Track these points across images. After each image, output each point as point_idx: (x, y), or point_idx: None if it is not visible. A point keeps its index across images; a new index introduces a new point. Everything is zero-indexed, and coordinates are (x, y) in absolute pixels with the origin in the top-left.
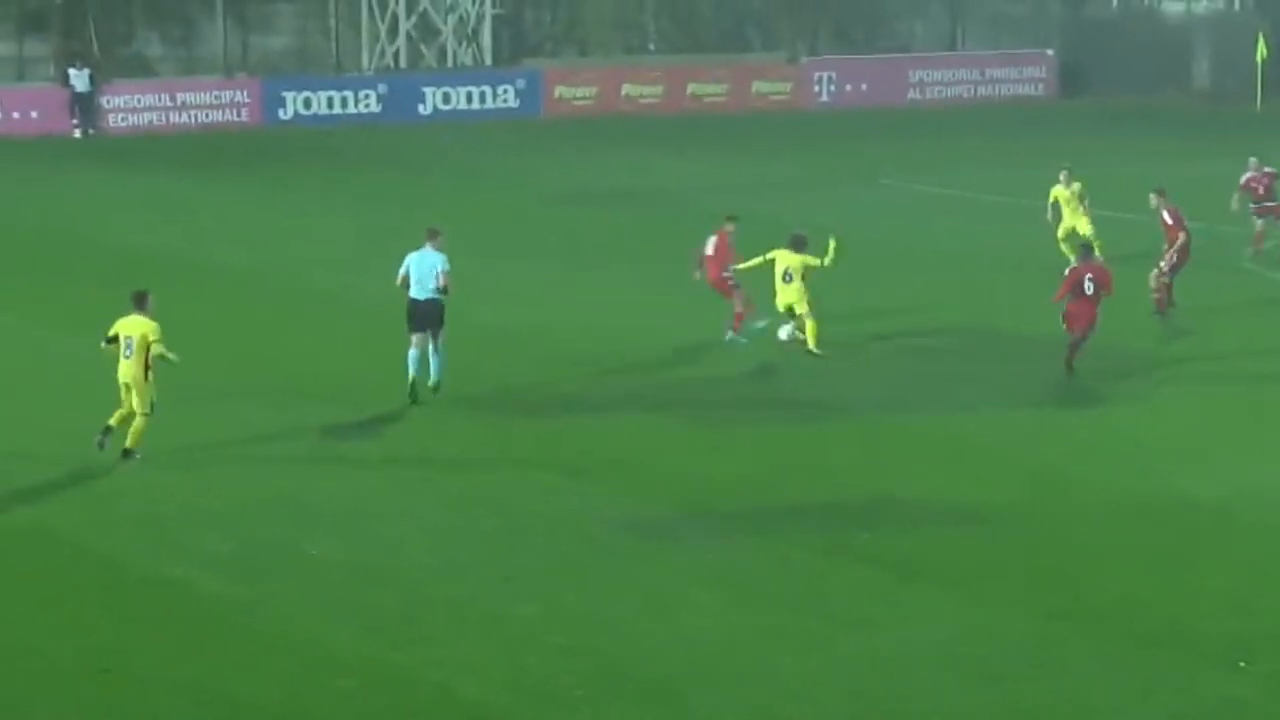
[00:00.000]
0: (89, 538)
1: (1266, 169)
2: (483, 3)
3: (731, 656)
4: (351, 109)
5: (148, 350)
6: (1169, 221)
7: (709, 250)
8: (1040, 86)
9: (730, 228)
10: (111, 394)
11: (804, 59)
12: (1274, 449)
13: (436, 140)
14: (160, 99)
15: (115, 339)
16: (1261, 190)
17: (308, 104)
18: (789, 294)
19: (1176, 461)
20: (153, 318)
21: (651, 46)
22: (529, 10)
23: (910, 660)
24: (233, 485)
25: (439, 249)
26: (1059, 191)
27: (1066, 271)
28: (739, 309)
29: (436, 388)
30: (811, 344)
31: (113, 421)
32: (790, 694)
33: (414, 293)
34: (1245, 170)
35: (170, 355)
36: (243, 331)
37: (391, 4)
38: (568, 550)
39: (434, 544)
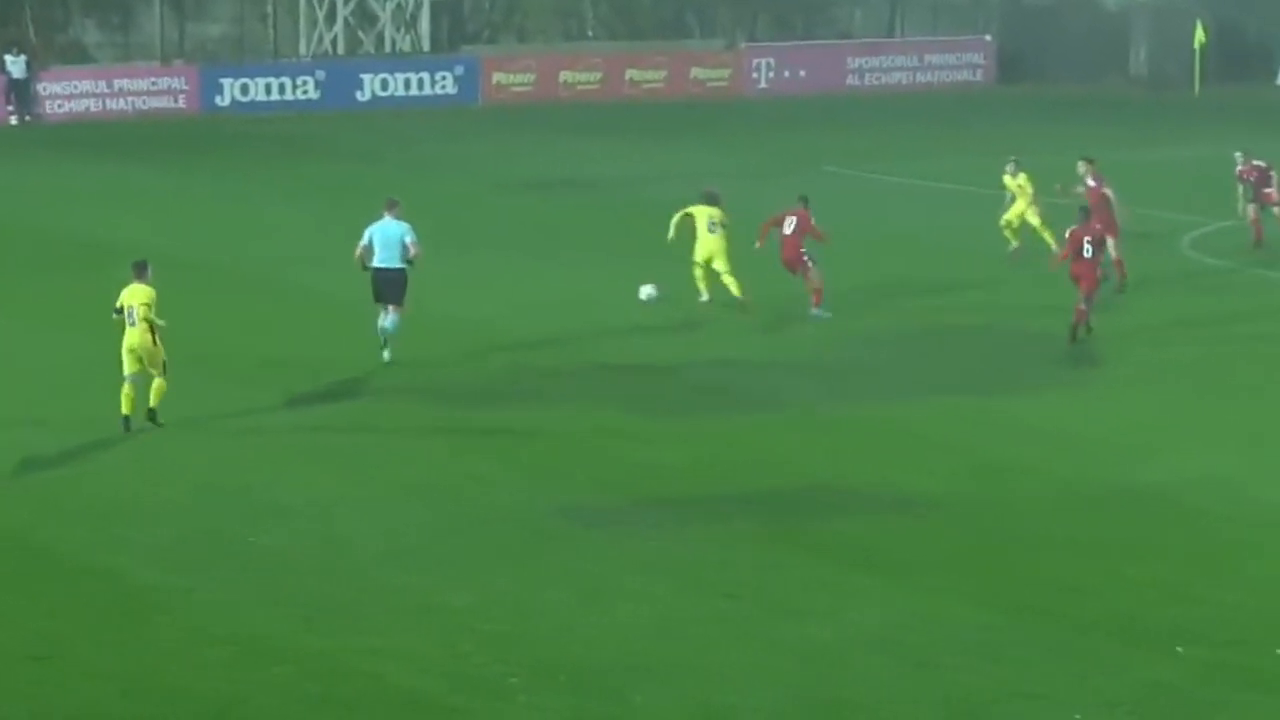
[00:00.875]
0: (30, 527)
1: (1255, 161)
2: None
3: (670, 645)
4: (289, 95)
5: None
6: (1091, 184)
7: (788, 230)
8: (979, 73)
9: (804, 209)
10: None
11: (743, 45)
12: (1216, 438)
13: (375, 127)
14: (97, 86)
15: (122, 309)
16: (1254, 178)
17: (245, 90)
18: (710, 245)
19: (1118, 450)
20: (151, 285)
21: (590, 33)
22: None
23: (850, 648)
24: (179, 475)
25: (399, 218)
26: (1008, 181)
27: (1068, 234)
28: (817, 284)
29: (386, 343)
30: (736, 292)
31: (126, 409)
32: (728, 683)
33: (379, 262)
34: (1235, 165)
35: (159, 321)
36: (190, 322)
37: None
38: (506, 539)
39: (374, 533)
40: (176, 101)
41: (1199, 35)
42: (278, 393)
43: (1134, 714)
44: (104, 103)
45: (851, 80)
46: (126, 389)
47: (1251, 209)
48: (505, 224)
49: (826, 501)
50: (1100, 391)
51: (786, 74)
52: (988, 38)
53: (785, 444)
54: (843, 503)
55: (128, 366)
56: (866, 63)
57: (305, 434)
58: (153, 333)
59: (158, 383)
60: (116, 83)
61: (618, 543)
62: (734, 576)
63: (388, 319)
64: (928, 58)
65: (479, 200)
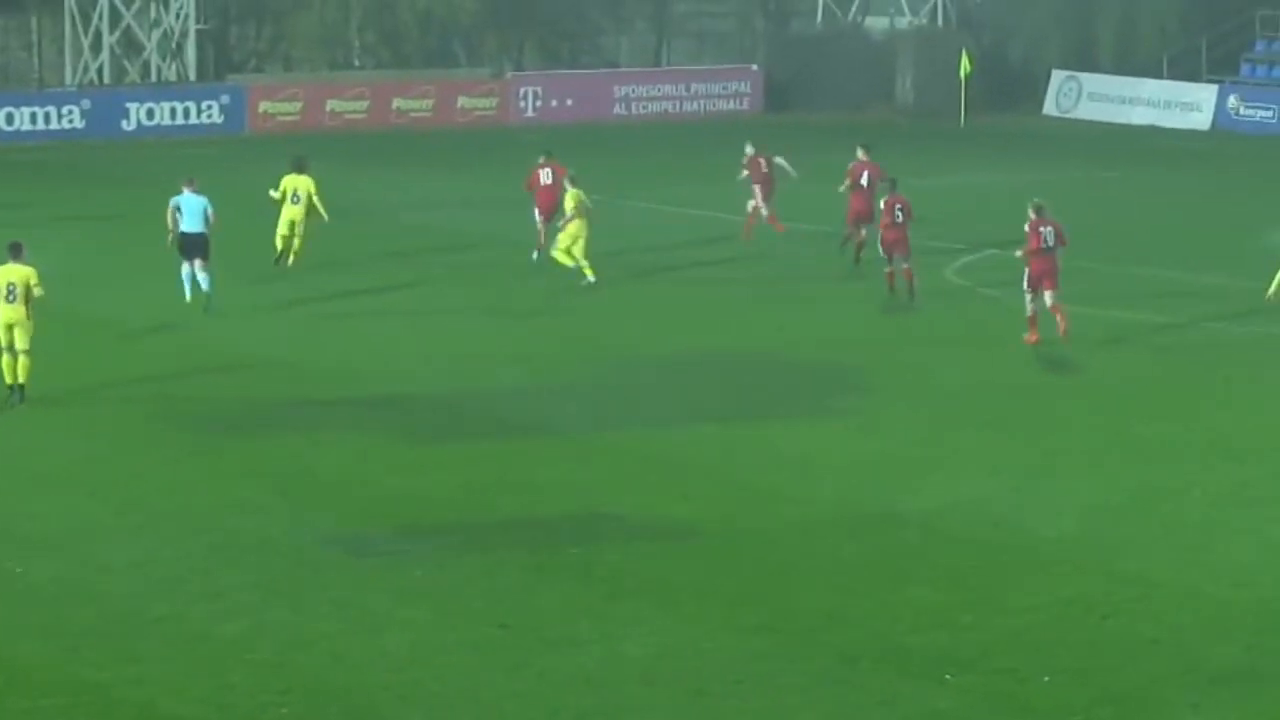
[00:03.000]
0: None
1: (762, 156)
2: (187, 18)
3: (438, 675)
4: (55, 125)
5: (29, 294)
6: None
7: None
8: (745, 102)
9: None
10: None
11: (509, 75)
12: (980, 463)
13: (141, 156)
14: None
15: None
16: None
17: (10, 119)
18: (293, 212)
19: (881, 475)
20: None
21: (357, 62)
22: (234, 26)
23: (616, 677)
24: None
25: (197, 192)
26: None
27: (1027, 227)
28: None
29: (208, 302)
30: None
31: (9, 379)
32: (496, 712)
33: (185, 227)
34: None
35: (38, 291)
36: None
37: (95, 19)
38: (275, 568)
39: (141, 562)
40: None
41: (964, 65)
42: (33, 417)
43: None
44: None
45: (618, 109)
46: (6, 360)
47: (751, 203)
48: (259, 251)
49: (591, 529)
50: (862, 419)
51: (554, 103)
52: (754, 67)
53: (548, 471)
54: (607, 529)
55: (2, 340)
56: (633, 91)
57: (64, 460)
58: (28, 309)
59: (23, 360)
60: None
61: (386, 572)
62: (503, 605)
63: (200, 276)
64: (694, 86)
65: (246, 230)
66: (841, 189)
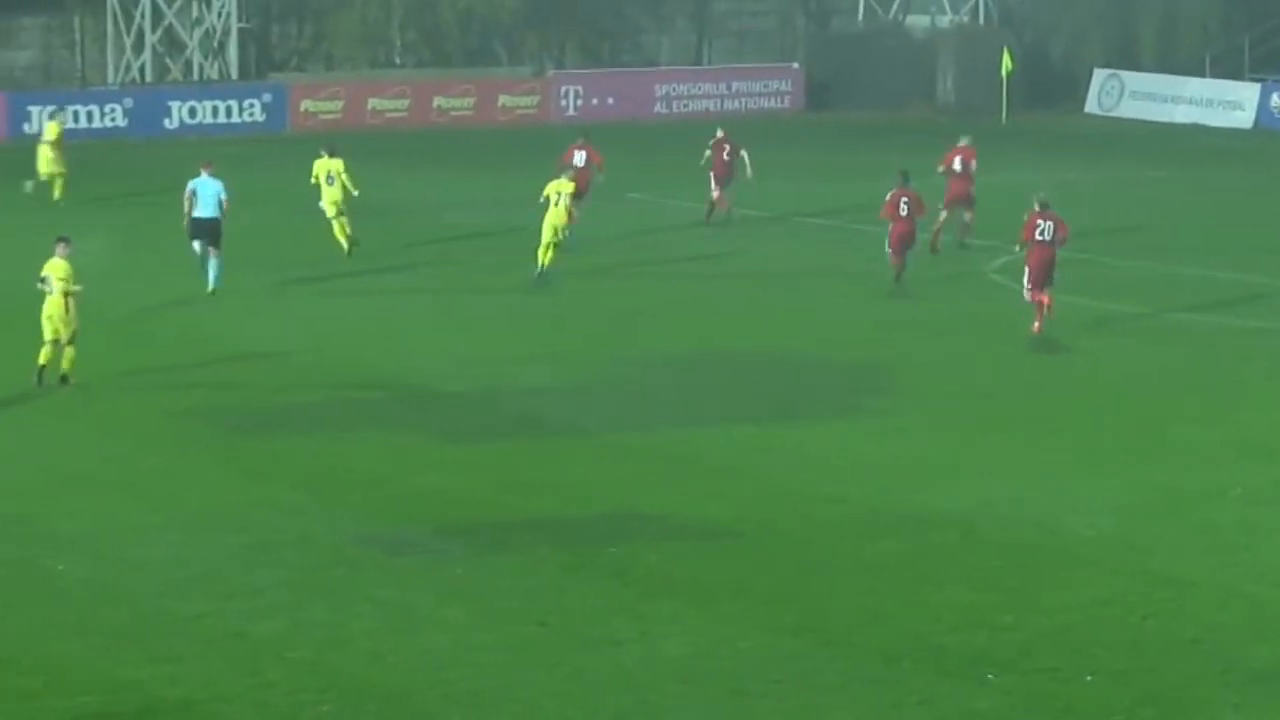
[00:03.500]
0: None
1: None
2: (229, 16)
3: (477, 673)
4: (97, 123)
5: (68, 288)
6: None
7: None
8: (786, 100)
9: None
10: None
11: (550, 73)
12: (1015, 462)
13: (183, 154)
14: None
15: (45, 279)
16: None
17: (53, 118)
18: (332, 194)
19: (916, 476)
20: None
21: (398, 61)
22: (275, 24)
23: (654, 676)
24: None
25: (214, 176)
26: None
27: (1026, 216)
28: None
29: (215, 290)
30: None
31: (42, 360)
32: (534, 710)
33: (199, 212)
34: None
35: (75, 288)
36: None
37: (137, 18)
38: (312, 566)
39: (176, 561)
40: None
41: (1006, 62)
42: (67, 415)
43: None
44: None
45: (659, 108)
46: (46, 349)
47: (716, 190)
48: (312, 250)
49: (627, 528)
50: (894, 418)
51: (595, 101)
52: (795, 65)
53: (583, 470)
54: (643, 529)
55: (47, 332)
56: (674, 89)
57: (97, 459)
58: (68, 302)
59: (68, 351)
60: None
61: (424, 570)
62: (540, 604)
63: (210, 261)
64: (735, 85)
65: (287, 227)
66: (940, 170)
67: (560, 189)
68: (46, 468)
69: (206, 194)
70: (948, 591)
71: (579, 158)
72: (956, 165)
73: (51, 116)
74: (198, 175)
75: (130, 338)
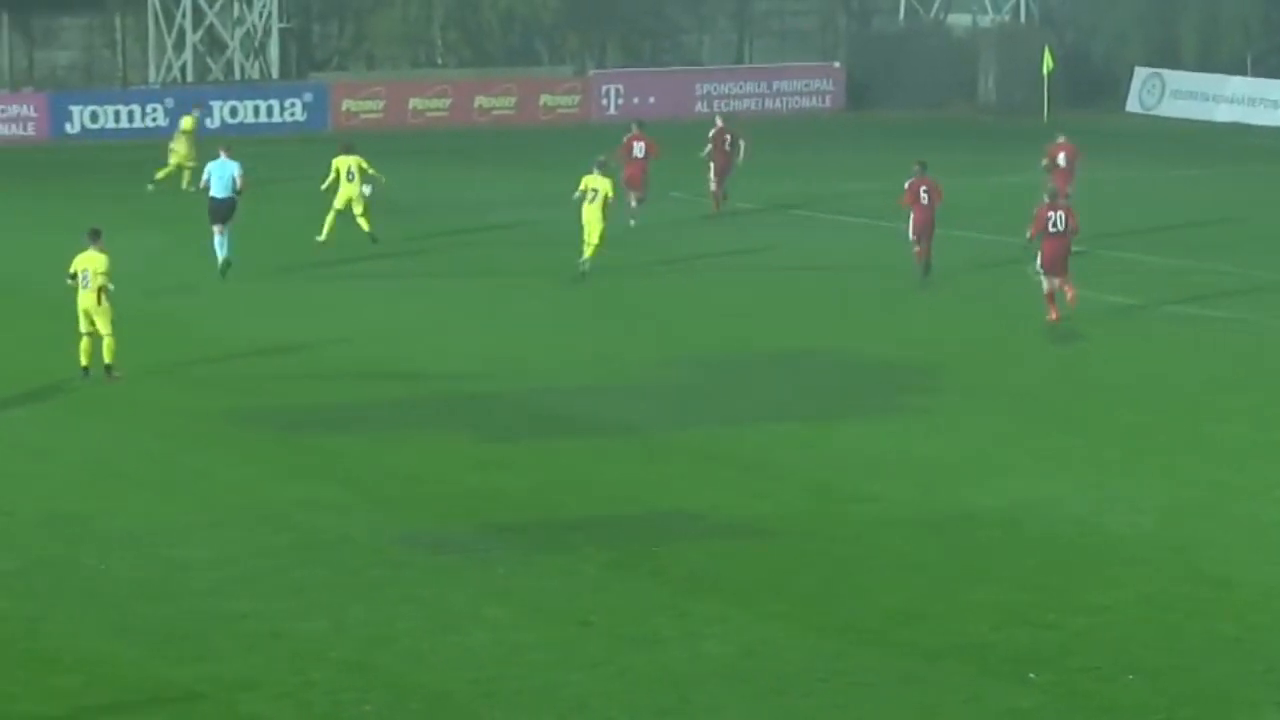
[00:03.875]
0: None
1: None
2: (270, 16)
3: (520, 672)
4: (138, 123)
5: (102, 281)
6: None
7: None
8: (828, 99)
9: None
10: None
11: (591, 72)
12: (1056, 461)
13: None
14: None
15: (76, 275)
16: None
17: (95, 118)
18: (351, 190)
19: (957, 474)
20: (105, 253)
21: (439, 60)
22: (316, 24)
23: (697, 675)
24: (19, 504)
25: (232, 158)
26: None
27: (1036, 210)
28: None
29: (228, 265)
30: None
31: (84, 361)
32: (578, 710)
33: (214, 192)
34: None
35: (109, 285)
36: (23, 347)
37: (178, 18)
38: (354, 566)
39: (219, 560)
40: (26, 129)
41: (1048, 61)
42: (107, 415)
43: None
44: None
45: (700, 107)
46: (84, 344)
47: (715, 182)
48: (352, 249)
49: (669, 527)
50: (935, 417)
51: (636, 100)
52: (836, 64)
53: (625, 469)
54: (685, 528)
55: (83, 325)
56: (715, 88)
57: (140, 458)
58: (101, 295)
59: (108, 341)
60: None
61: (466, 570)
62: (583, 602)
63: (219, 239)
64: (776, 84)
65: (319, 226)
66: (1043, 164)
67: (595, 184)
68: (88, 466)
69: (222, 175)
70: (990, 590)
71: (638, 149)
72: (1061, 160)
73: (190, 110)
74: (216, 157)
75: (172, 338)
